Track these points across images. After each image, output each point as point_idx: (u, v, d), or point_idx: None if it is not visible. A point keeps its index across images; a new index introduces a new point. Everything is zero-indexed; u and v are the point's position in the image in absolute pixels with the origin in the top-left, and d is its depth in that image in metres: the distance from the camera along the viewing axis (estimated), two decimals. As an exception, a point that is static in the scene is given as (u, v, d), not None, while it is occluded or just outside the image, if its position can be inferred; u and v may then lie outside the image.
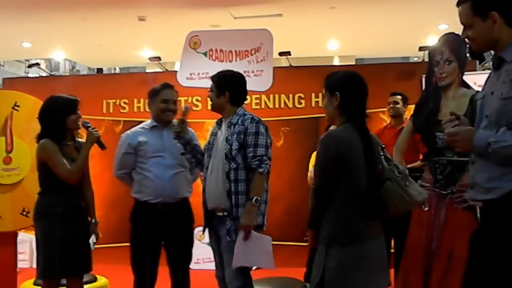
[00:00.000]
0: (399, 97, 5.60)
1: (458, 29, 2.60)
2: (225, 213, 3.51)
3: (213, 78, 3.70)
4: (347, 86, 2.89)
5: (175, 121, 3.89)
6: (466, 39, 2.44)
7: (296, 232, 6.07)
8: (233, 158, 3.47)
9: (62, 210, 3.67)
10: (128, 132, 4.16)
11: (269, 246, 3.50)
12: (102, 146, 3.84)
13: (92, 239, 3.77)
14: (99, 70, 11.46)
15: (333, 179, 2.79)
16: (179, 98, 4.27)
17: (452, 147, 2.38)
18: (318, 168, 2.86)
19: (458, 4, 2.42)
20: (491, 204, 2.26)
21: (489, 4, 2.31)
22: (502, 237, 2.21)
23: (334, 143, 2.78)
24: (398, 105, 5.59)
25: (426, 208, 3.78)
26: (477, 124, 2.40)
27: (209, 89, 3.70)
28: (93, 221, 3.82)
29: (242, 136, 3.50)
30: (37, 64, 8.27)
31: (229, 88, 3.61)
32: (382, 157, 2.88)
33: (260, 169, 3.44)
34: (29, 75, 12.90)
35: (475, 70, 7.07)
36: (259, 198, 3.41)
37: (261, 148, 3.47)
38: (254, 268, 3.62)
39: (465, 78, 3.87)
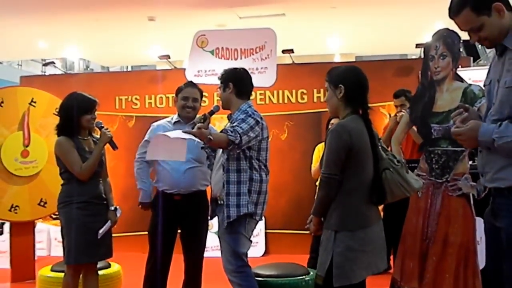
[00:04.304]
0: (404, 98, 5.25)
1: (453, 27, 2.60)
2: (222, 202, 3.51)
3: (219, 77, 3.72)
4: (350, 79, 2.90)
5: (198, 116, 3.79)
6: (477, 42, 2.37)
7: (299, 220, 6.02)
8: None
9: (83, 199, 3.71)
10: (155, 123, 4.26)
11: (184, 144, 3.37)
12: (114, 146, 3.85)
13: (107, 225, 3.76)
14: (106, 69, 11.42)
15: (344, 168, 2.79)
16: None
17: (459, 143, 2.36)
18: (330, 157, 2.80)
19: (455, 15, 2.34)
20: (499, 191, 2.28)
21: None
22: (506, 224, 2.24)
23: (347, 132, 2.77)
24: (406, 106, 5.04)
25: (420, 194, 3.80)
26: (487, 110, 2.36)
27: (218, 87, 3.70)
28: (111, 208, 3.85)
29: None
30: (52, 62, 8.30)
31: (232, 79, 3.61)
32: (380, 147, 2.91)
33: (230, 135, 3.28)
34: (46, 73, 12.94)
35: (469, 66, 7.04)
36: (211, 138, 3.22)
37: (239, 127, 3.34)
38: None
39: (459, 73, 3.87)
